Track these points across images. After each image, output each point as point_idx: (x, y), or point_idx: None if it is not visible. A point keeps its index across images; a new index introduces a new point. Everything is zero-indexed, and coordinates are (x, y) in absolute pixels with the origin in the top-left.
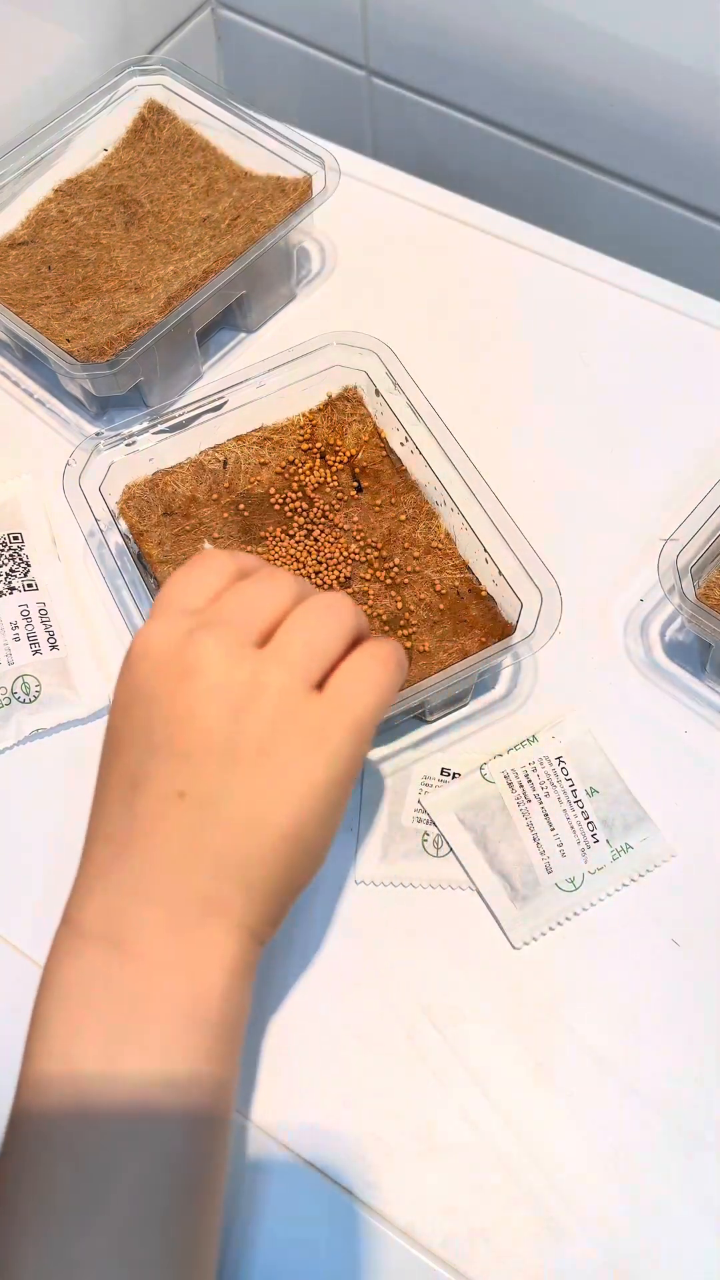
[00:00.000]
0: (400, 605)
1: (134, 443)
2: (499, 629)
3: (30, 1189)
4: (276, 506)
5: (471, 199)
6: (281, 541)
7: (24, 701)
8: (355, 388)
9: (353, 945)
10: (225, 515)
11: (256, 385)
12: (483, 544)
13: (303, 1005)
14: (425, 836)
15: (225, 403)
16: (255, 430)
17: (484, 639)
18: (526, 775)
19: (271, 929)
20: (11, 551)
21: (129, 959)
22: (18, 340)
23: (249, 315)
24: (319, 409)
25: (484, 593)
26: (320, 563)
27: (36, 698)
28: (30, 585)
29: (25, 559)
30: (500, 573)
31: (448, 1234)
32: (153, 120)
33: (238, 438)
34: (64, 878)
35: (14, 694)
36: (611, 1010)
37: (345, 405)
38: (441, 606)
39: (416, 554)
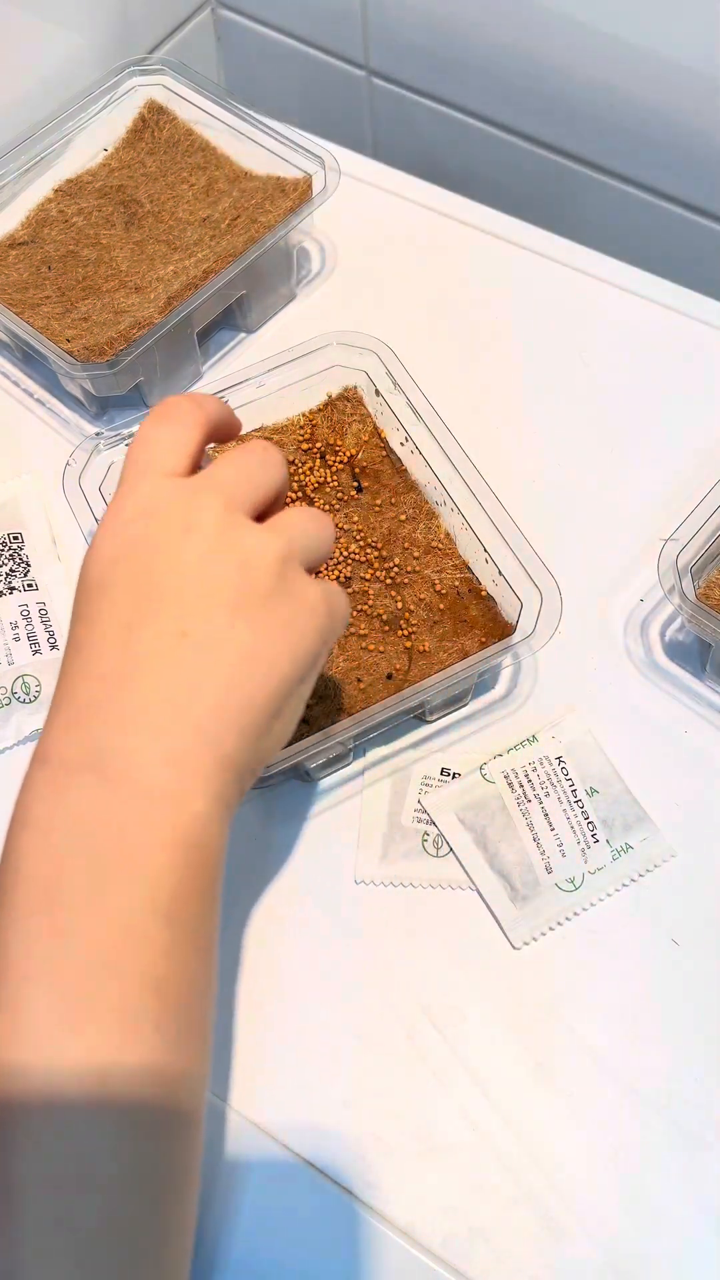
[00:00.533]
0: (400, 605)
1: None
2: (499, 629)
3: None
4: None
5: (471, 199)
6: None
7: (24, 701)
8: (355, 388)
9: (353, 945)
10: None
11: (256, 385)
12: (483, 544)
13: (303, 1005)
14: (425, 836)
15: (225, 403)
16: (255, 430)
17: (484, 639)
18: (526, 775)
19: (245, 785)
20: (11, 551)
21: (116, 787)
22: (18, 340)
23: (249, 315)
24: (319, 409)
25: (484, 593)
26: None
27: (36, 698)
28: (30, 585)
29: (25, 559)
30: (500, 573)
31: (447, 1234)
32: (153, 120)
33: (238, 438)
34: None
35: (14, 694)
36: (611, 1010)
37: (345, 405)
38: (441, 606)
39: (416, 554)
